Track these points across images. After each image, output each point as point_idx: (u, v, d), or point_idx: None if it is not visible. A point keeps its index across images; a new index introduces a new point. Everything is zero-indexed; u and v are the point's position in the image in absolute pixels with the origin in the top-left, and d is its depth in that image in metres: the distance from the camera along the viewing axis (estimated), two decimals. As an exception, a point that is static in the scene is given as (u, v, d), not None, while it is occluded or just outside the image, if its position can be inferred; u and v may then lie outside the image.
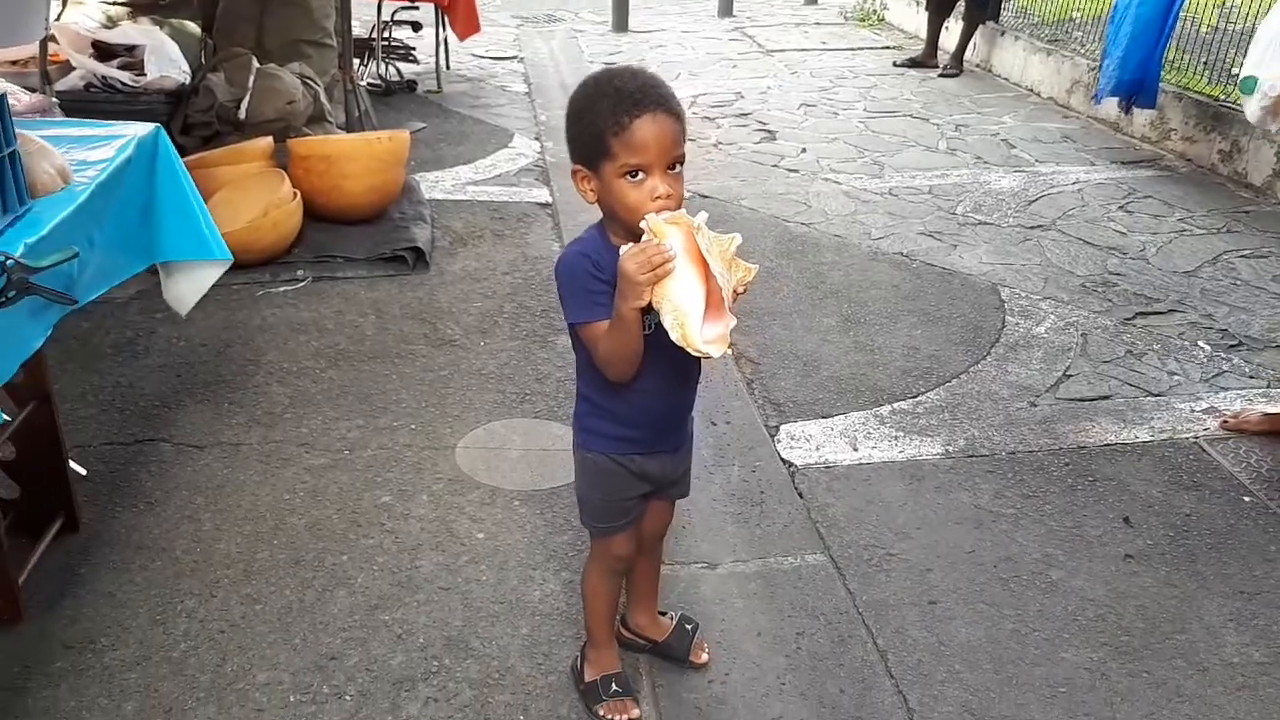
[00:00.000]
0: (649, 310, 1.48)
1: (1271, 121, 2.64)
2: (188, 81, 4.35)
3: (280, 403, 2.89)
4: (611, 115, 1.48)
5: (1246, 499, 2.56)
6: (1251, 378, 3.14)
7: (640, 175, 1.50)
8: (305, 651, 2.03)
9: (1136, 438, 2.82)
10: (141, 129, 2.15)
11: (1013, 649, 2.09)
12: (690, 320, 1.44)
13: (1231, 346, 3.32)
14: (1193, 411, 2.94)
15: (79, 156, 1.95)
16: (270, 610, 2.13)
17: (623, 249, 1.48)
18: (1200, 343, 3.34)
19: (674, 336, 1.46)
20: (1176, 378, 3.13)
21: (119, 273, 2.17)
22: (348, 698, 1.93)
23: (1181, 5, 4.82)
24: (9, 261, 1.49)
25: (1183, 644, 2.10)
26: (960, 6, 7.13)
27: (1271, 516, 2.49)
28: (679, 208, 1.53)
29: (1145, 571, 2.31)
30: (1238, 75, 5.45)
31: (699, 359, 1.71)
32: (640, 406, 1.69)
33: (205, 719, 1.87)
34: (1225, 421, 2.85)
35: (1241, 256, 4.02)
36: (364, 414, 2.85)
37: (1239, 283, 3.79)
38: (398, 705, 1.91)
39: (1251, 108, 2.64)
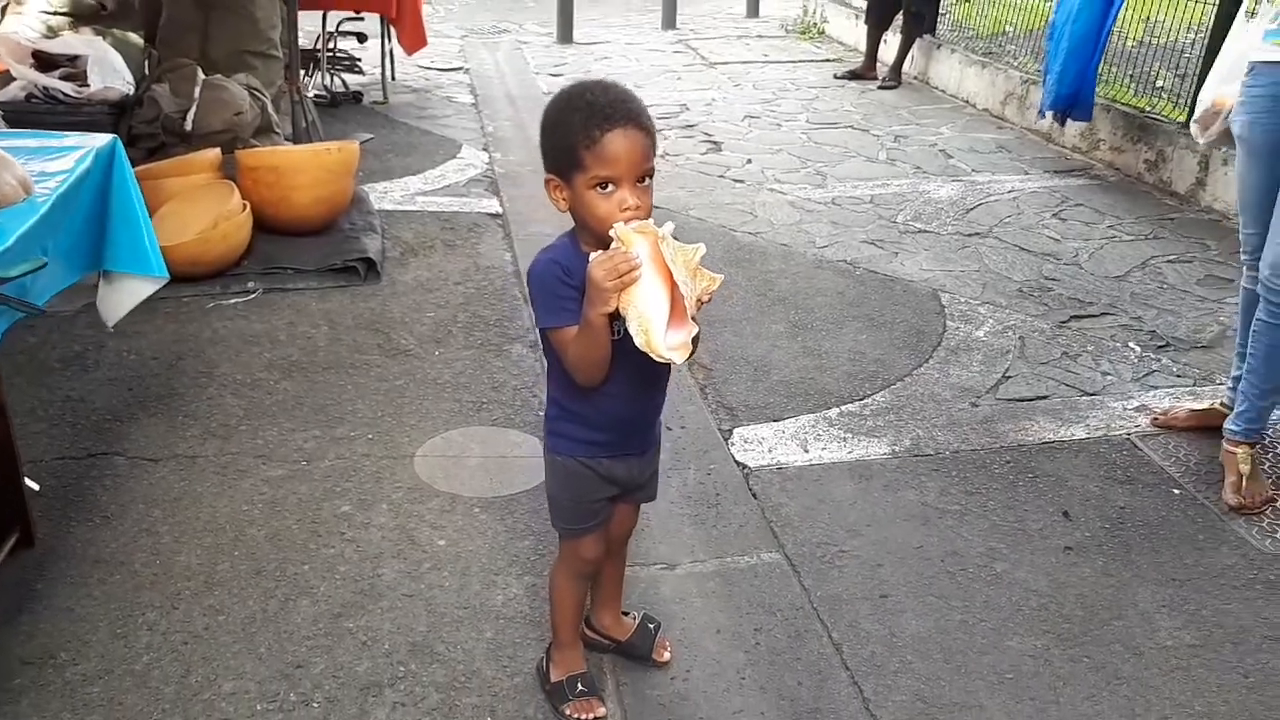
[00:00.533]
0: (616, 317, 1.54)
1: (1200, 136, 2.79)
2: (132, 92, 4.31)
3: (235, 414, 2.88)
4: (584, 128, 1.53)
5: (1176, 491, 2.68)
6: (1179, 376, 3.28)
7: (610, 187, 1.55)
8: (270, 661, 2.04)
9: (1073, 435, 2.93)
10: (99, 140, 2.15)
11: (961, 639, 2.17)
12: (654, 326, 1.50)
13: (1160, 347, 3.47)
14: (1125, 410, 3.07)
15: (38, 168, 1.95)
16: (233, 621, 2.14)
17: (591, 256, 1.53)
18: (1131, 344, 3.49)
19: (638, 342, 1.51)
20: (1109, 378, 3.27)
21: (67, 279, 2.16)
22: (315, 705, 1.94)
23: (1113, 23, 5.01)
24: (-26, 274, 1.49)
25: (1120, 630, 2.20)
26: (898, 20, 7.31)
27: (1200, 508, 2.62)
28: (647, 218, 1.58)
29: (1084, 562, 2.41)
30: (1162, 88, 5.71)
31: (666, 366, 1.77)
32: (609, 410, 1.74)
33: (171, 729, 1.87)
34: (1155, 419, 2.99)
35: (1168, 261, 4.20)
36: (320, 424, 2.86)
37: (1166, 286, 3.96)
38: (365, 711, 1.94)
39: (1192, 123, 2.81)
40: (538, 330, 1.72)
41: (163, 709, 1.91)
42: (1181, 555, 2.44)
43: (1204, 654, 2.14)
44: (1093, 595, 2.31)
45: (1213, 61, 4.81)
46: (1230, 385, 2.88)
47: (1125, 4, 5.03)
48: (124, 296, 2.36)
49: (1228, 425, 2.70)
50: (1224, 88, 2.67)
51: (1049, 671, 2.09)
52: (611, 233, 1.52)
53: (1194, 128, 2.80)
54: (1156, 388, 3.21)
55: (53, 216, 1.82)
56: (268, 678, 1.99)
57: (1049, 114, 5.36)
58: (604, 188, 1.55)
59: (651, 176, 1.60)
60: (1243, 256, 2.74)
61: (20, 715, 1.88)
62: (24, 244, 1.68)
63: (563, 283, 1.61)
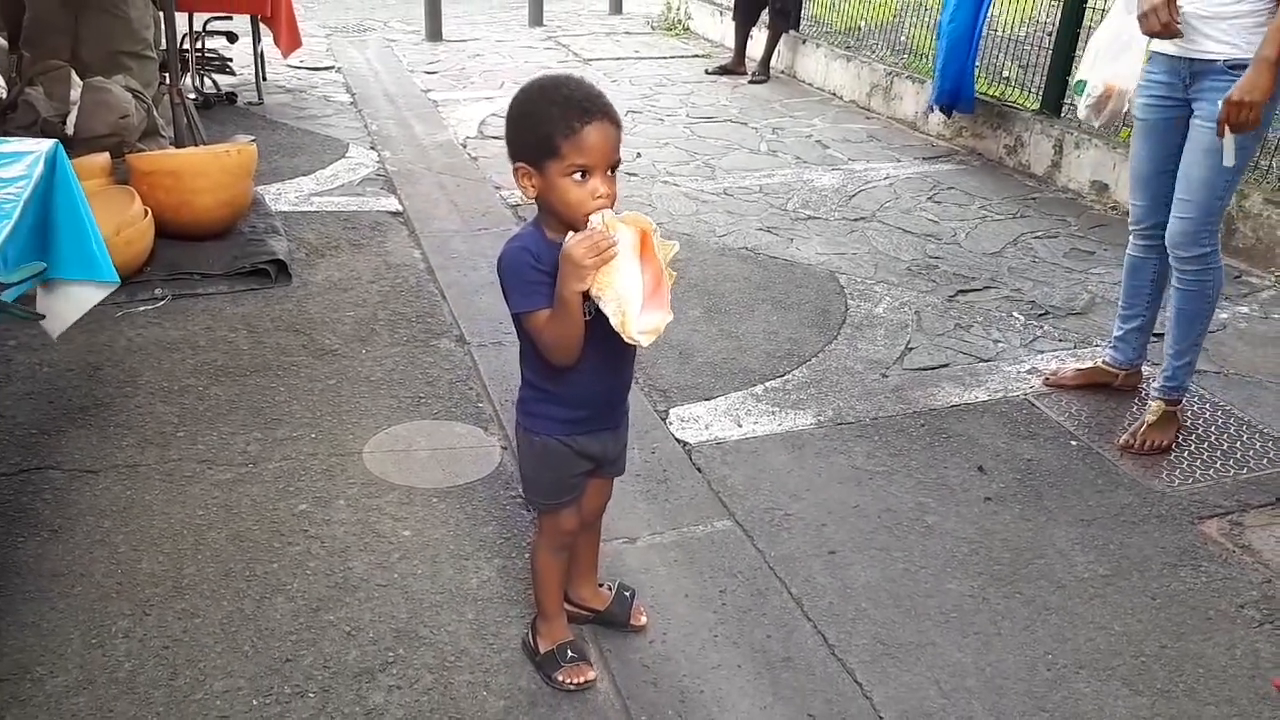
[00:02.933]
0: (587, 298, 1.64)
1: (1095, 118, 3.06)
2: (3, 95, 4.11)
3: (169, 421, 2.83)
4: (563, 119, 1.63)
5: (1074, 443, 2.97)
6: (1061, 341, 3.60)
7: (584, 175, 1.65)
8: (257, 658, 2.05)
9: (977, 398, 3.19)
10: (42, 145, 2.10)
11: (907, 585, 2.37)
12: (631, 309, 1.63)
13: (1040, 315, 3.79)
14: (1019, 373, 3.36)
15: (-5, 174, 1.90)
16: (211, 622, 2.13)
17: (569, 236, 1.63)
18: (1014, 314, 3.80)
19: (614, 323, 1.63)
20: (1000, 345, 3.56)
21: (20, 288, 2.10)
22: (311, 695, 1.97)
23: (983, 25, 5.41)
24: (-25, 279, 1.46)
25: (1043, 567, 2.44)
26: (764, 16, 7.59)
27: (1095, 456, 2.90)
28: (612, 206, 1.70)
29: (1003, 510, 2.65)
30: (1009, 78, 6.16)
31: (631, 347, 1.89)
32: (583, 388, 1.85)
33: (168, 732, 1.87)
34: (1047, 379, 3.28)
35: (1036, 238, 4.56)
36: (259, 427, 2.84)
37: (1037, 260, 4.31)
38: (362, 696, 1.98)
39: (1081, 107, 3.07)
40: (511, 316, 1.80)
41: (156, 713, 1.90)
42: (1085, 498, 2.71)
43: (1116, 582, 2.40)
44: (1015, 539, 2.54)
45: (1063, 53, 5.26)
46: (1113, 345, 3.19)
47: (993, 3, 5.44)
48: (68, 305, 2.30)
49: (1154, 382, 2.98)
50: (1110, 68, 2.93)
51: (988, 608, 2.30)
52: (595, 219, 1.63)
53: (1086, 111, 3.06)
54: (1043, 351, 3.51)
55: (22, 222, 1.78)
56: (258, 674, 2.01)
57: (936, 108, 5.72)
58: (580, 176, 1.65)
59: (618, 167, 1.71)
60: (1130, 225, 3.04)
61: (5, 732, 1.85)
62: (9, 250, 1.64)
63: (533, 268, 1.71)
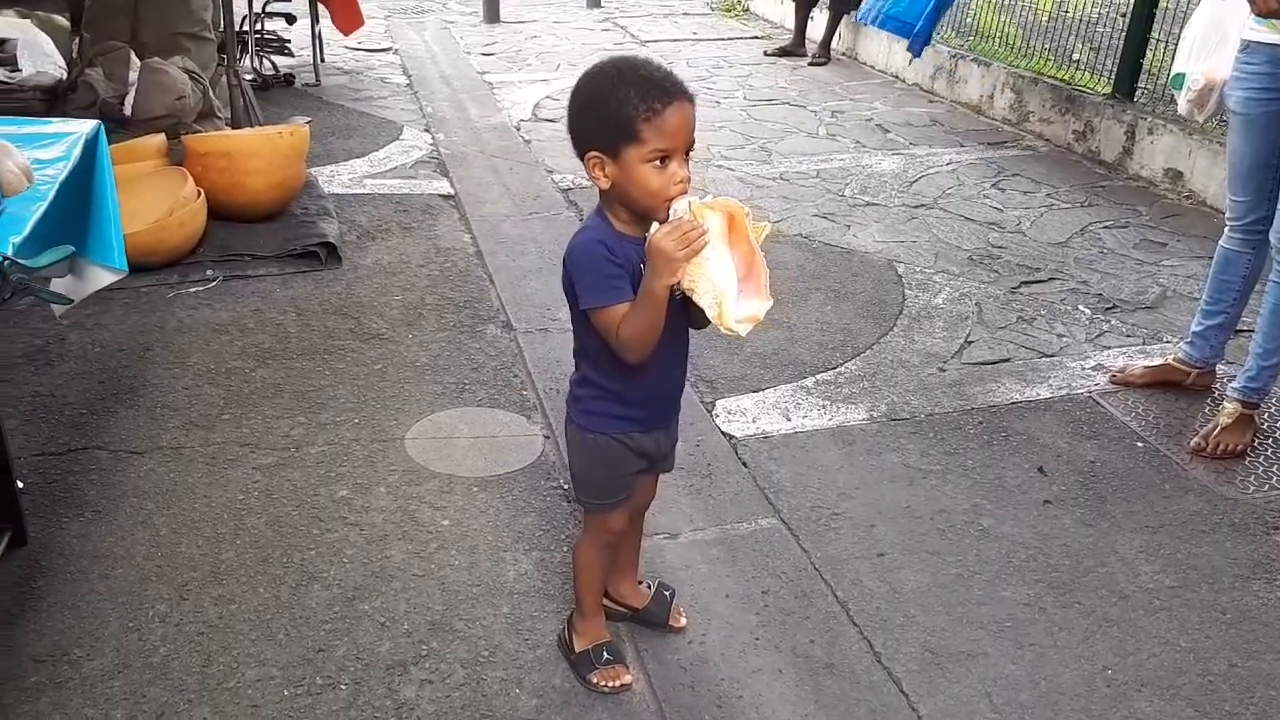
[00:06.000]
0: (674, 291, 1.57)
1: (1198, 113, 2.91)
2: (64, 77, 4.15)
3: (215, 404, 2.83)
4: (643, 101, 1.54)
5: (1140, 444, 2.83)
6: (1129, 336, 3.45)
7: (663, 161, 1.57)
8: (290, 646, 2.03)
9: (1038, 395, 3.07)
10: (84, 126, 2.09)
11: (959, 591, 2.27)
12: (728, 300, 1.54)
13: (1108, 309, 3.64)
14: (1083, 369, 3.22)
15: (32, 155, 1.89)
16: (246, 609, 2.12)
17: (654, 228, 1.56)
18: (1080, 307, 3.65)
19: (710, 315, 1.56)
20: (1065, 339, 3.42)
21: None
22: (343, 687, 1.95)
23: None
24: (5, 262, 1.45)
25: (1104, 576, 2.33)
26: (825, -2, 7.44)
27: (1163, 459, 2.77)
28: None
29: (1063, 514, 2.54)
30: (1079, 61, 5.94)
31: (688, 338, 1.82)
32: (645, 385, 1.77)
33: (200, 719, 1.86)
34: (1113, 376, 3.14)
35: (1105, 228, 4.39)
36: (304, 411, 2.83)
37: (1106, 251, 4.14)
38: (394, 690, 1.95)
39: (1181, 101, 2.92)
40: (577, 311, 1.72)
41: (188, 699, 1.89)
42: (1152, 504, 2.58)
43: (1184, 594, 2.28)
44: (1075, 545, 2.43)
45: (1137, 35, 5.05)
46: (1189, 341, 3.04)
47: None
48: (82, 284, 2.29)
49: (1233, 382, 2.83)
50: (1210, 61, 2.78)
51: (1044, 618, 2.20)
52: (680, 207, 1.54)
53: (1187, 106, 2.91)
54: (1109, 347, 3.37)
55: (58, 203, 1.77)
56: (290, 663, 1.99)
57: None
58: (660, 161, 1.57)
59: (693, 149, 1.63)
60: (1229, 220, 2.87)
61: (41, 714, 1.84)
62: (41, 231, 1.63)
63: (609, 261, 1.63)
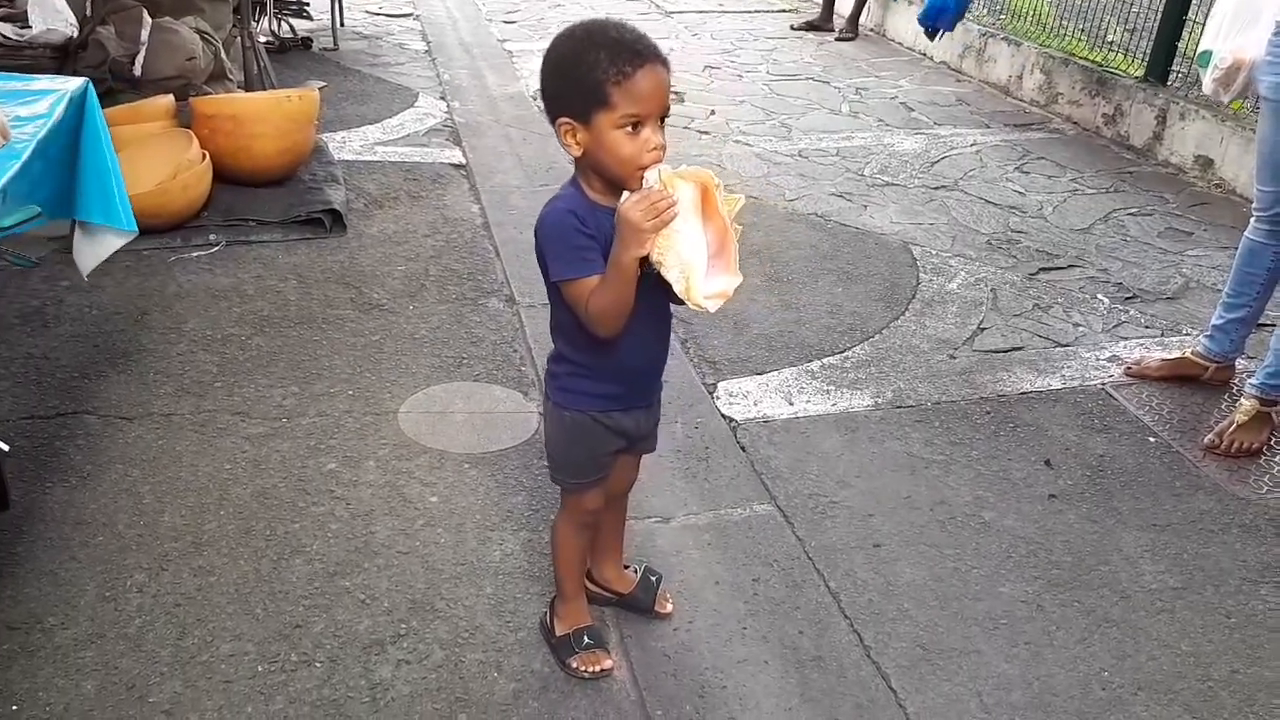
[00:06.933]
0: (644, 263, 1.51)
1: (1224, 93, 2.79)
2: (75, 35, 4.11)
3: (209, 371, 2.80)
4: (612, 65, 1.48)
5: (1152, 439, 2.75)
6: (1147, 327, 3.35)
7: (635, 127, 1.51)
8: (268, 621, 2.00)
9: (1049, 385, 2.98)
10: (71, 84, 2.04)
11: (955, 586, 2.21)
12: (696, 273, 1.48)
13: (1127, 299, 3.53)
14: (1098, 360, 3.13)
15: (11, 111, 1.84)
16: (225, 581, 2.09)
17: (624, 196, 1.50)
18: (1099, 296, 3.55)
19: (678, 289, 1.49)
20: (1081, 329, 3.32)
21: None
22: (318, 665, 1.91)
23: None
24: (-34, 224, 1.41)
25: (1106, 575, 2.26)
26: (855, -29, 7.27)
27: (1175, 456, 2.69)
28: (663, 159, 1.55)
29: (1068, 510, 2.47)
30: (1113, 42, 5.78)
31: (670, 314, 1.76)
32: (620, 362, 1.72)
33: (171, 694, 1.83)
34: (1129, 369, 3.05)
35: (1129, 215, 4.27)
36: (298, 380, 2.79)
37: (1129, 239, 4.03)
38: (370, 669, 1.91)
39: (1206, 80, 2.80)
40: (548, 284, 1.68)
41: (160, 672, 1.86)
42: (1160, 501, 2.50)
43: (1187, 596, 2.21)
44: (1079, 541, 2.36)
45: (1173, 15, 4.89)
46: (1208, 334, 2.94)
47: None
48: (95, 248, 2.26)
49: (1251, 378, 2.74)
50: (1239, 39, 2.67)
51: (1042, 616, 2.14)
52: (651, 177, 1.48)
53: (1212, 85, 2.79)
54: (1126, 339, 3.27)
55: (34, 162, 1.73)
56: (266, 638, 1.96)
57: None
58: (632, 127, 1.50)
59: (668, 116, 1.56)
60: (1255, 210, 2.77)
61: (10, 682, 1.82)
62: (11, 193, 1.59)
63: (580, 232, 1.57)
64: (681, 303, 1.56)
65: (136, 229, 2.39)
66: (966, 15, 5.66)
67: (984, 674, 1.99)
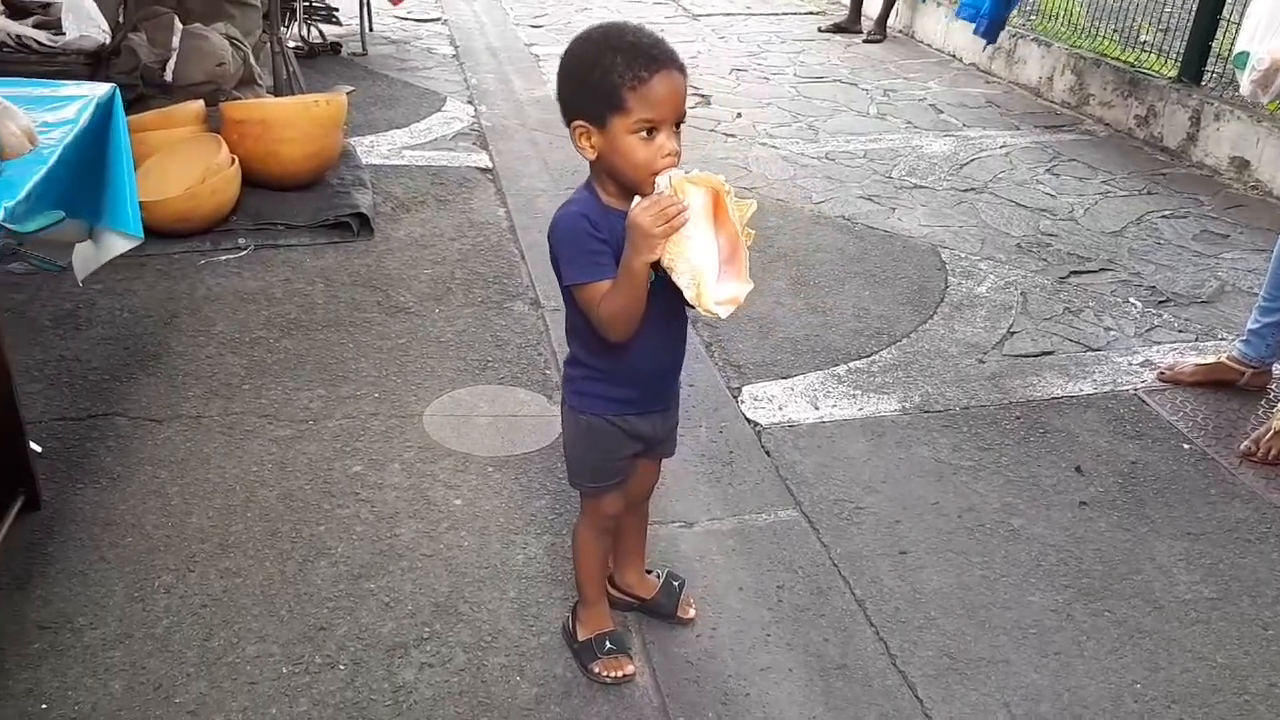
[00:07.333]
0: (655, 267, 1.50)
1: (1263, 95, 2.74)
2: (108, 41, 4.16)
3: (237, 374, 2.82)
4: (629, 69, 1.47)
5: (1186, 446, 2.71)
6: (1181, 332, 3.30)
7: (650, 132, 1.50)
8: (293, 623, 2.00)
9: (1081, 390, 2.94)
10: (99, 90, 2.06)
11: (983, 594, 2.18)
12: (706, 279, 1.47)
13: (1160, 303, 3.48)
14: (1130, 365, 3.09)
15: (39, 118, 1.86)
16: (251, 583, 2.10)
17: (634, 202, 1.49)
18: (1131, 299, 3.50)
19: (688, 295, 1.48)
20: (1113, 333, 3.28)
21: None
22: (341, 667, 1.92)
23: None
24: (-5, 227, 1.42)
25: (1139, 584, 2.22)
26: (883, -27, 7.23)
27: (1209, 462, 2.64)
28: (678, 165, 1.54)
29: (1099, 517, 2.43)
30: (1145, 42, 5.70)
31: (685, 318, 1.75)
32: (635, 366, 1.71)
33: (197, 694, 1.84)
34: (1162, 373, 3.00)
35: (1163, 217, 4.21)
36: (324, 383, 2.80)
37: (1162, 242, 3.97)
38: (393, 672, 1.91)
39: (1243, 82, 2.76)
40: (561, 288, 1.67)
41: (186, 673, 1.88)
42: (1194, 509, 2.46)
43: (1223, 607, 2.17)
44: (1110, 550, 2.32)
45: (1207, 15, 4.81)
46: (1244, 339, 2.89)
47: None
48: (98, 252, 2.26)
49: None
50: (1275, 41, 2.62)
51: (1072, 626, 2.10)
52: (662, 182, 1.47)
53: (1250, 87, 2.75)
54: (1159, 343, 3.22)
55: (59, 167, 1.74)
56: (291, 640, 1.96)
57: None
58: (648, 133, 1.50)
59: (683, 122, 1.56)
60: None
61: (40, 681, 1.84)
62: (38, 196, 1.60)
63: (592, 236, 1.57)
64: (693, 308, 1.55)
65: (143, 236, 2.40)
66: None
67: (1012, 684, 1.96)
